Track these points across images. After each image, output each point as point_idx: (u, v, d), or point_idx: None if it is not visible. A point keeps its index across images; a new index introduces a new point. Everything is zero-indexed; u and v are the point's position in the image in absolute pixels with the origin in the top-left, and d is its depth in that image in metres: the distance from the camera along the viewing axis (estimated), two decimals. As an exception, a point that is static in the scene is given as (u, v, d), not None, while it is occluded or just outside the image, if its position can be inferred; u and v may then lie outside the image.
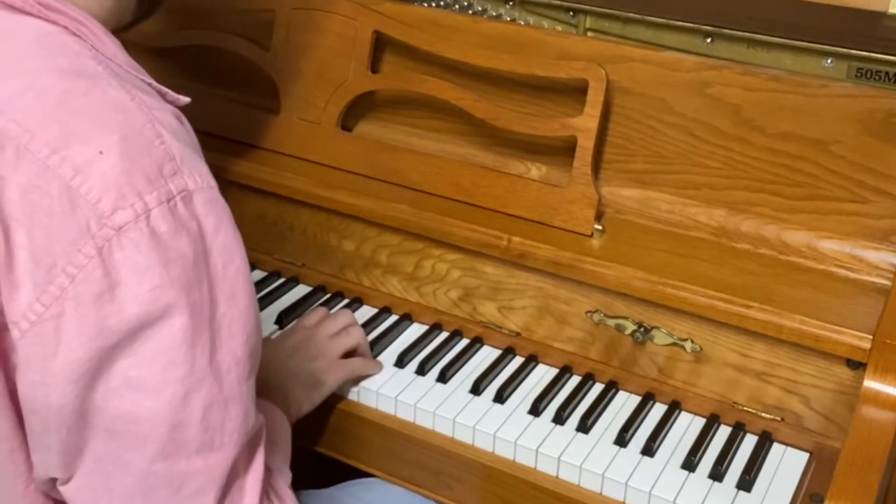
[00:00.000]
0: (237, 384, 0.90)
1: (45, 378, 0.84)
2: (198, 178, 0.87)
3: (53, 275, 0.82)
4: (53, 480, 0.91)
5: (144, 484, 0.88)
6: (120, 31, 0.99)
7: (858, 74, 1.30)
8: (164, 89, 0.94)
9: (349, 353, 1.30)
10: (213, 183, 0.89)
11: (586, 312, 1.29)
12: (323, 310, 1.36)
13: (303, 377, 1.23)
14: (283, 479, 1.03)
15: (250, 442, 0.94)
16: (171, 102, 0.93)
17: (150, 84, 0.93)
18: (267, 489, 0.98)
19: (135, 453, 0.87)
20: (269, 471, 1.00)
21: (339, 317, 1.33)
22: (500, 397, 1.25)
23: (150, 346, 0.84)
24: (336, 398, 1.27)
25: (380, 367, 1.30)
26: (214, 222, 0.87)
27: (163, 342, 0.84)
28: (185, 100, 0.96)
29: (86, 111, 0.84)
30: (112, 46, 0.92)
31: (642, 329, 1.25)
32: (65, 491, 0.90)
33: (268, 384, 1.17)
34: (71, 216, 0.81)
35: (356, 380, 1.28)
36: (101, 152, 0.82)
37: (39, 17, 0.90)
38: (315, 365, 1.25)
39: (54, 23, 0.90)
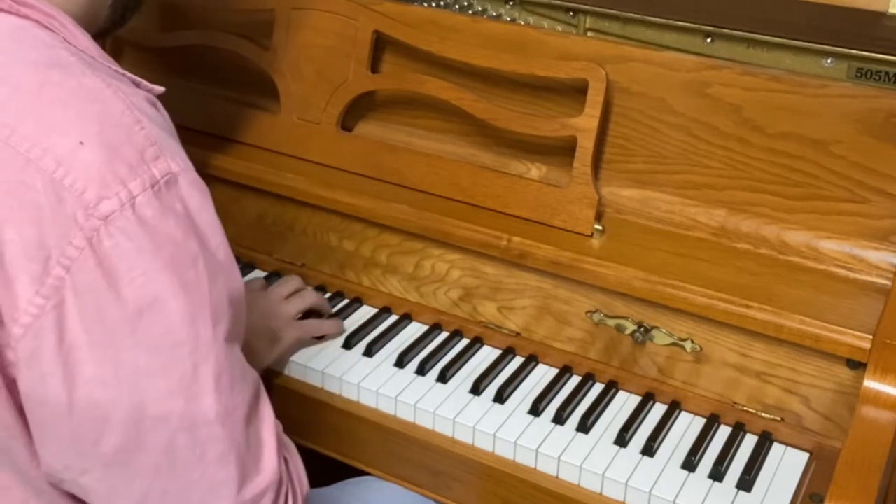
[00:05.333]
0: (234, 348, 0.92)
1: (53, 369, 0.84)
2: (179, 160, 0.88)
3: (50, 267, 0.82)
4: (63, 472, 0.90)
5: (169, 457, 0.89)
6: (98, 37, 1.00)
7: (858, 74, 1.30)
8: (139, 79, 0.95)
9: (306, 316, 1.33)
10: (191, 165, 0.91)
11: (586, 312, 1.28)
12: (262, 280, 1.40)
13: (261, 332, 1.25)
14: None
15: (254, 396, 0.95)
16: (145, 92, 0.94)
17: (123, 74, 0.94)
18: (280, 437, 0.99)
19: (154, 433, 0.88)
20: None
21: (289, 282, 1.37)
22: (500, 397, 1.25)
23: (152, 332, 0.85)
24: (335, 398, 1.27)
25: (339, 327, 1.34)
26: (198, 201, 0.89)
27: (164, 324, 0.85)
28: (160, 89, 0.97)
29: (62, 102, 0.85)
30: (84, 40, 0.93)
31: (642, 329, 1.25)
32: (82, 481, 0.90)
33: None
34: (59, 209, 0.82)
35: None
36: (81, 142, 0.83)
37: (10, 13, 0.90)
38: (272, 323, 1.28)
39: (25, 17, 0.91)
